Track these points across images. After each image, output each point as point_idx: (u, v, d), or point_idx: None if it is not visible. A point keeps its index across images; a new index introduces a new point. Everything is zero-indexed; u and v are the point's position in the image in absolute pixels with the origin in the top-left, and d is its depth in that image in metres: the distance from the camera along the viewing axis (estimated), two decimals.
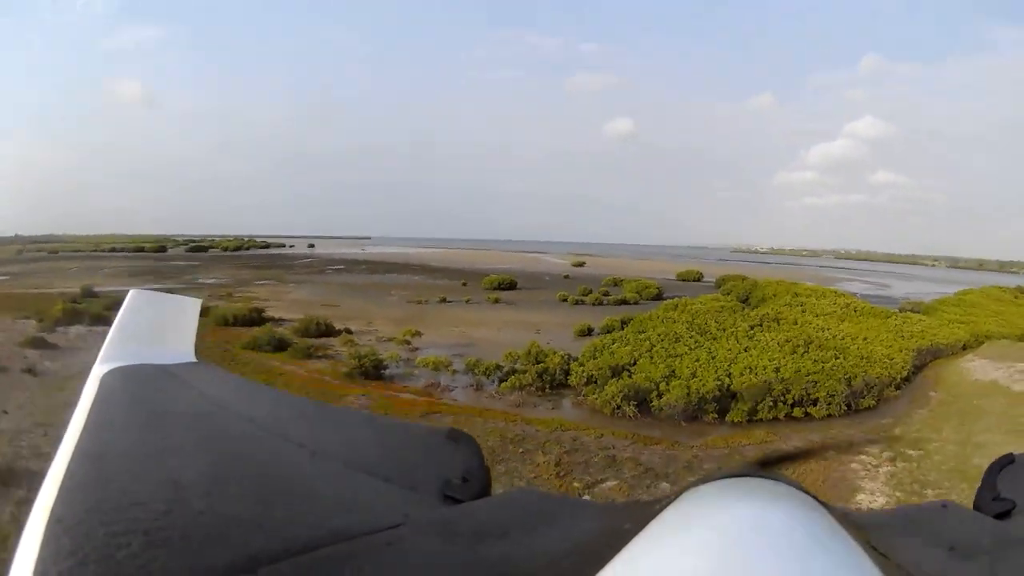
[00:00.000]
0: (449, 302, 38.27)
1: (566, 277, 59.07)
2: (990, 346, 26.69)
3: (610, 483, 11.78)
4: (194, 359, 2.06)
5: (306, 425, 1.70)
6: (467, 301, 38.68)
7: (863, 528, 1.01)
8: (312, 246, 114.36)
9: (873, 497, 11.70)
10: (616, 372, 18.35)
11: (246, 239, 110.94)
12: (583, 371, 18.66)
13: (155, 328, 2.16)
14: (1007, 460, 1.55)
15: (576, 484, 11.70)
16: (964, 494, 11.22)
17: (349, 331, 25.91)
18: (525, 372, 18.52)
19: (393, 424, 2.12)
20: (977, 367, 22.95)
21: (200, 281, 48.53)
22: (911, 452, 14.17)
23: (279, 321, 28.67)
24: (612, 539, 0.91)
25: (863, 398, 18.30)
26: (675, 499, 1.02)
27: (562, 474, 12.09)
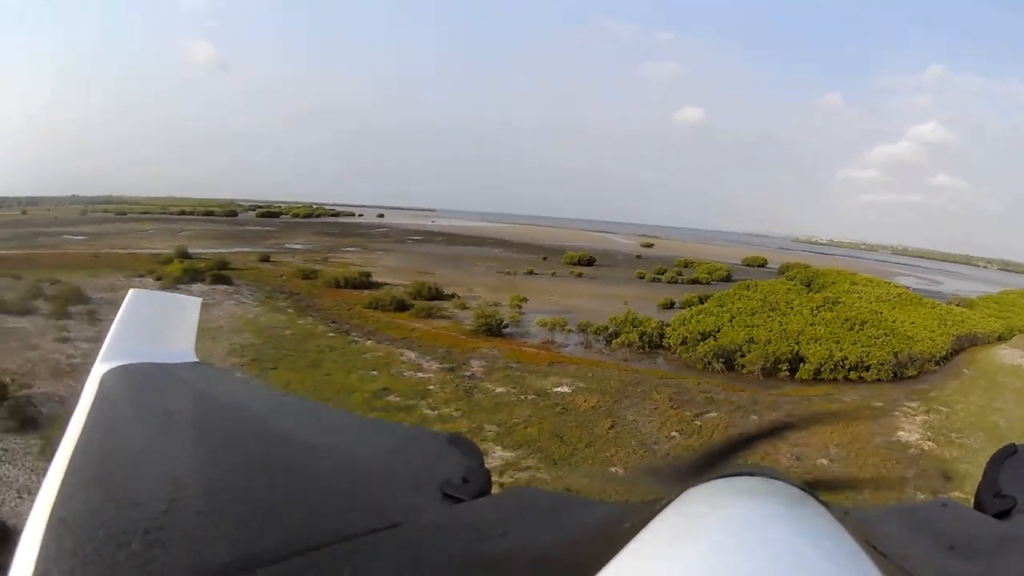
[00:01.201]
0: (536, 274, 42.42)
1: (638, 257, 62.88)
2: (1021, 338, 30.64)
3: (712, 414, 16.20)
4: (194, 358, 2.16)
5: (306, 425, 1.77)
6: (552, 274, 42.91)
7: (863, 527, 1.03)
8: (381, 216, 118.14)
9: (910, 435, 15.92)
10: (704, 336, 22.74)
11: (314, 206, 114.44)
12: (677, 334, 23.05)
13: (155, 327, 2.24)
14: (1008, 452, 1.56)
15: (687, 413, 16.05)
16: (979, 441, 15.60)
17: (457, 295, 30.05)
18: (628, 333, 22.97)
19: (393, 426, 2.24)
20: (1007, 354, 27.24)
21: (288, 246, 52.44)
22: (942, 408, 18.43)
23: (385, 285, 32.44)
24: (612, 539, 0.94)
25: (906, 369, 22.41)
26: (675, 498, 1.03)
27: (675, 407, 16.51)
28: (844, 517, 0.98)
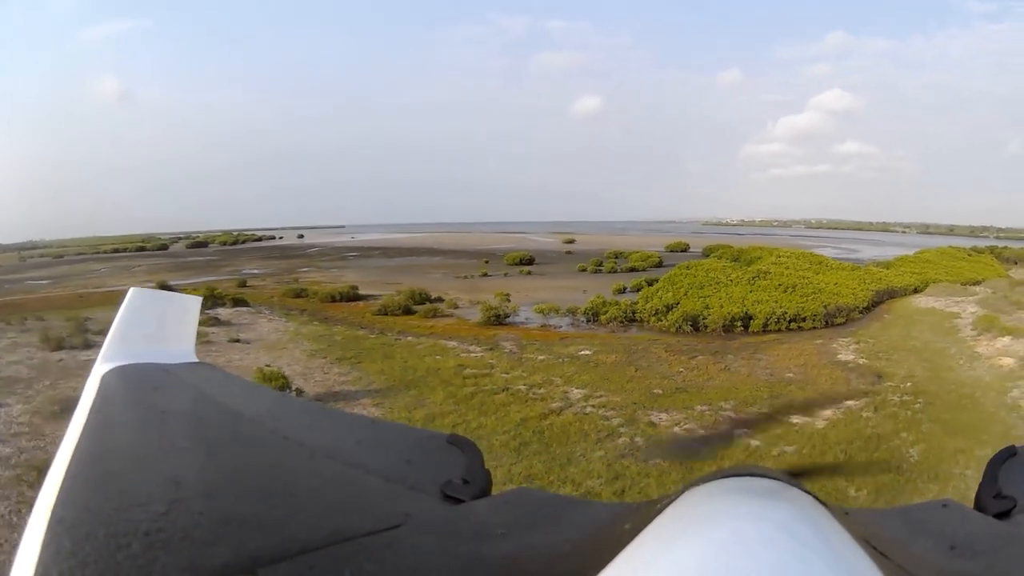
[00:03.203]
0: (490, 276, 47.85)
1: (568, 252, 69.41)
2: (933, 287, 37.67)
3: (700, 357, 21.98)
4: (194, 358, 2.27)
5: (306, 425, 1.82)
6: (505, 275, 48.51)
7: (863, 527, 1.06)
8: (302, 236, 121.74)
9: (847, 353, 22.23)
10: (668, 308, 28.71)
11: (235, 233, 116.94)
12: (647, 308, 28.97)
13: (155, 327, 2.34)
14: (1008, 453, 1.61)
15: (683, 358, 21.77)
16: (900, 355, 21.82)
17: (442, 299, 34.75)
18: (610, 311, 28.78)
19: (393, 427, 2.36)
20: (921, 300, 34.25)
21: (245, 272, 56.02)
22: (869, 339, 24.91)
23: (370, 296, 36.80)
24: (613, 539, 0.97)
25: (835, 318, 28.95)
26: (675, 499, 1.06)
27: (672, 355, 22.31)
28: (844, 517, 1.04)
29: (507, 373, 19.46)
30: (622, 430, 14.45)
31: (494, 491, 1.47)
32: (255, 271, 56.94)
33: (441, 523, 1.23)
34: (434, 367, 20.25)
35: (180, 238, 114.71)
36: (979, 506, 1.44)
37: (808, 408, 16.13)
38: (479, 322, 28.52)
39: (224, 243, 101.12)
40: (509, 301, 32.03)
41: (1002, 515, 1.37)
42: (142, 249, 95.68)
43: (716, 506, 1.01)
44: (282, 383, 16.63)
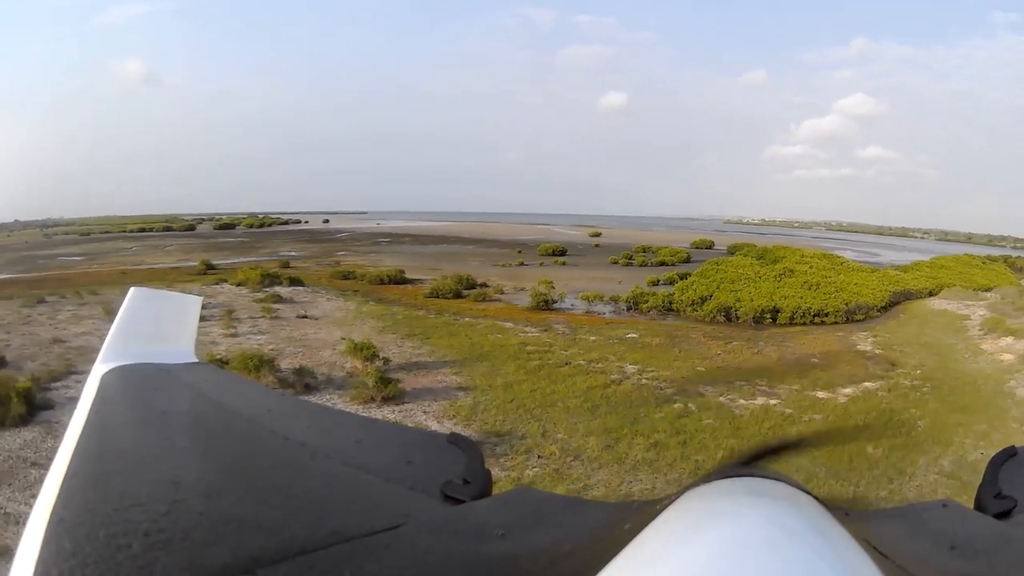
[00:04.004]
0: (526, 265, 50.84)
1: (597, 245, 72.13)
2: (947, 291, 40.39)
3: (735, 343, 24.98)
4: (194, 358, 2.28)
5: (306, 425, 1.84)
6: (541, 264, 51.67)
7: (863, 528, 1.07)
8: (327, 221, 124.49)
9: (866, 345, 25.17)
10: (703, 299, 31.67)
11: (260, 216, 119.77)
12: (683, 299, 31.93)
13: (155, 326, 2.38)
14: (1009, 453, 1.64)
15: (720, 343, 24.80)
16: (912, 348, 24.75)
17: (487, 285, 37.44)
18: (648, 301, 31.77)
19: (393, 427, 2.45)
20: (935, 303, 37.00)
21: (282, 254, 58.75)
22: (885, 334, 27.85)
23: (418, 280, 39.85)
24: (612, 539, 0.98)
25: (855, 315, 31.86)
26: (675, 499, 1.07)
27: (710, 340, 25.32)
28: (844, 518, 1.04)
29: (565, 350, 22.41)
30: (676, 398, 17.46)
31: (495, 491, 1.51)
32: (293, 253, 59.29)
33: (441, 523, 1.24)
34: (498, 344, 23.21)
35: (203, 219, 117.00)
36: (979, 506, 1.48)
37: (831, 386, 19.14)
38: (528, 306, 31.43)
39: (251, 226, 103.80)
40: (553, 288, 34.68)
41: (1002, 515, 1.40)
42: (169, 229, 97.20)
43: (716, 506, 1.03)
44: (372, 351, 19.60)
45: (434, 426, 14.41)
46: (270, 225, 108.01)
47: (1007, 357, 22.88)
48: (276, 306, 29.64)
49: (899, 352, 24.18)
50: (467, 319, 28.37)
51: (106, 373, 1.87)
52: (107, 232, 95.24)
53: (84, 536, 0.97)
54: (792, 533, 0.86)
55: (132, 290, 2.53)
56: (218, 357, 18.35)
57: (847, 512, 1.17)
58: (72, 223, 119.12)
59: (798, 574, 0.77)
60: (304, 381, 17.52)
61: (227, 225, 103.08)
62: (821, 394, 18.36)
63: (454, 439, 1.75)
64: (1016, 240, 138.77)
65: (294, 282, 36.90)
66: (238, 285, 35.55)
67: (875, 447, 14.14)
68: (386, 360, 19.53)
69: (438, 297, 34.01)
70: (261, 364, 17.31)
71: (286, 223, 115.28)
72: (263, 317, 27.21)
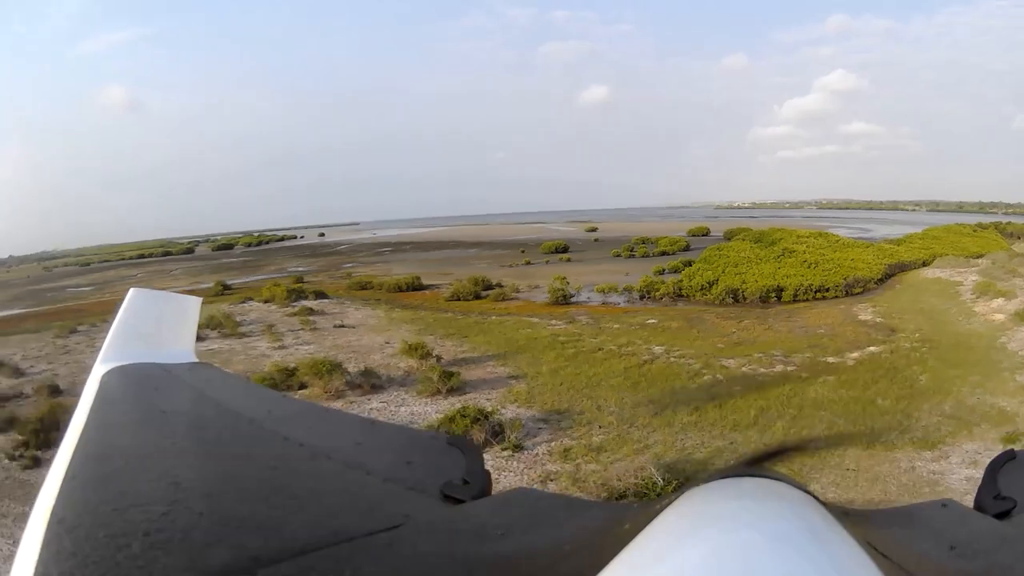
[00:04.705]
0: (532, 264, 53.29)
1: (596, 240, 75.02)
2: (939, 261, 43.08)
3: (746, 321, 27.49)
4: (194, 358, 2.33)
5: (306, 426, 1.87)
6: (547, 262, 54.08)
7: (863, 527, 1.08)
8: (323, 235, 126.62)
9: (866, 315, 27.75)
10: (710, 284, 34.20)
11: (255, 234, 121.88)
12: (692, 285, 34.45)
13: (155, 327, 2.43)
14: (1008, 456, 1.68)
15: (733, 321, 27.33)
16: (909, 314, 27.32)
17: (502, 285, 39.64)
18: (659, 289, 34.29)
19: (394, 428, 2.39)
20: (928, 272, 39.68)
21: (290, 270, 60.99)
22: (883, 304, 30.44)
23: (434, 286, 42.16)
24: (612, 539, 0.99)
25: (854, 288, 34.45)
26: (675, 499, 1.09)
27: (724, 320, 27.83)
28: (844, 518, 1.06)
29: (595, 338, 24.84)
30: (704, 371, 19.97)
31: (494, 492, 1.54)
32: (300, 268, 61.53)
33: (441, 523, 1.27)
34: (531, 337, 25.61)
35: (198, 241, 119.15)
36: (979, 507, 1.51)
37: (839, 352, 21.71)
38: (547, 302, 33.81)
39: (248, 244, 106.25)
40: (568, 284, 36.83)
41: (1002, 515, 1.42)
42: (168, 254, 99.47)
43: (716, 507, 1.05)
44: (426, 350, 22.00)
45: (504, 411, 16.60)
46: (267, 243, 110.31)
47: (998, 316, 25.46)
48: (311, 318, 31.82)
49: (898, 319, 26.71)
50: (494, 317, 30.72)
51: (106, 373, 1.90)
52: (106, 261, 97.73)
53: (84, 536, 1.00)
54: (792, 533, 0.90)
55: (132, 291, 2.57)
56: (284, 367, 20.62)
57: (847, 512, 1.21)
58: (68, 254, 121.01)
59: (798, 574, 0.79)
60: (371, 382, 19.75)
61: (225, 245, 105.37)
62: (831, 359, 20.88)
63: (454, 440, 1.78)
64: (1008, 206, 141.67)
65: (319, 295, 39.13)
66: (265, 302, 37.71)
67: (884, 399, 16.66)
68: (439, 357, 21.90)
69: (459, 299, 36.24)
70: (333, 368, 19.60)
71: (282, 239, 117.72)
72: (303, 329, 29.41)
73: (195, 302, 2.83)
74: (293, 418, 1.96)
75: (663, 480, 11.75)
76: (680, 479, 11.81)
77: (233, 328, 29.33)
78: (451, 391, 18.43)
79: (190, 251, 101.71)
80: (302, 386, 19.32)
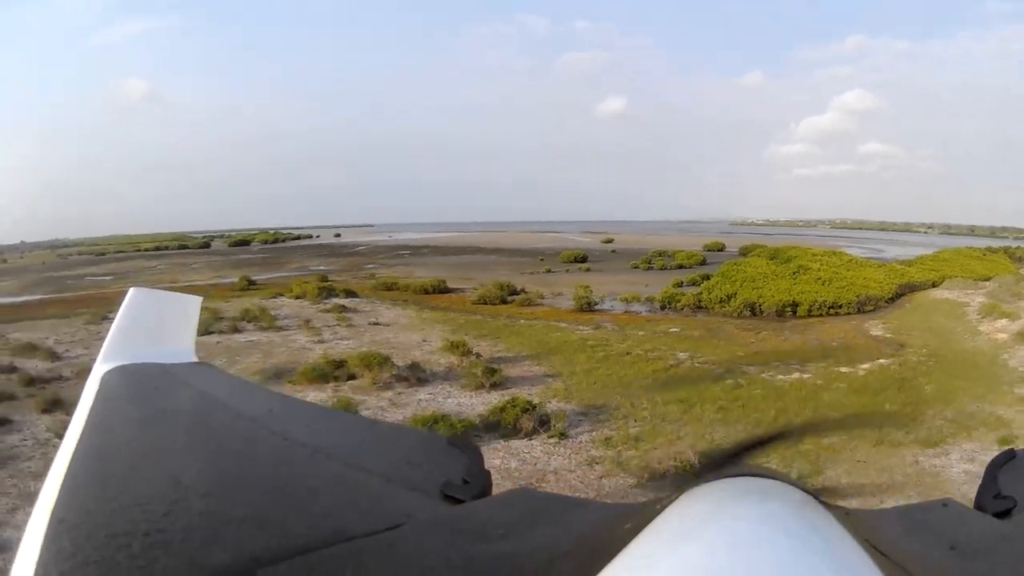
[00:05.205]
0: (553, 272, 55.08)
1: (613, 252, 77.09)
2: (949, 282, 44.98)
3: (764, 332, 29.39)
4: (194, 358, 2.36)
5: (306, 425, 1.87)
6: (567, 271, 55.98)
7: (863, 527, 1.11)
8: (339, 235, 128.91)
9: (877, 331, 29.63)
10: (728, 297, 36.10)
11: (271, 232, 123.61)
12: (710, 298, 36.36)
13: (155, 326, 2.44)
14: (1008, 456, 1.70)
15: (751, 332, 29.26)
16: (917, 332, 29.20)
17: (526, 291, 41.38)
18: (681, 300, 36.21)
19: (394, 428, 2.44)
20: (938, 293, 41.50)
21: (312, 268, 63.09)
22: (893, 321, 32.32)
23: (458, 289, 44.13)
24: (613, 539, 1.01)
25: (866, 306, 36.33)
26: (675, 499, 1.12)
27: (743, 331, 29.72)
28: (844, 517, 1.10)
29: (622, 344, 26.73)
30: (726, 376, 21.85)
31: (494, 492, 1.55)
32: (322, 268, 63.32)
33: (441, 523, 1.26)
34: (561, 340, 27.49)
35: (213, 236, 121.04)
36: (979, 506, 1.52)
37: (851, 363, 23.60)
38: (572, 308, 35.63)
39: (264, 242, 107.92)
40: (591, 292, 38.68)
41: (1002, 515, 1.43)
42: (184, 247, 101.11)
43: (716, 507, 1.07)
44: (465, 348, 23.92)
45: (546, 405, 18.30)
46: (283, 240, 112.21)
47: (1001, 335, 27.31)
48: (346, 315, 33.72)
49: (907, 335, 28.57)
50: (522, 321, 32.55)
51: (107, 373, 1.93)
52: (121, 251, 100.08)
53: (84, 536, 1.01)
54: (792, 533, 0.92)
55: (132, 290, 2.58)
56: (333, 359, 22.52)
57: (847, 512, 1.25)
58: (80, 243, 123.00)
59: (798, 574, 0.80)
60: (416, 375, 21.63)
61: (241, 242, 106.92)
62: (844, 369, 22.76)
63: (454, 440, 1.81)
64: (1018, 231, 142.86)
65: (349, 293, 41.03)
66: (296, 298, 39.55)
67: (891, 404, 18.54)
68: (478, 354, 23.79)
69: (485, 303, 38.12)
70: (383, 361, 21.52)
71: (298, 238, 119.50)
72: (339, 325, 31.31)
73: (195, 301, 2.84)
74: (293, 418, 2.00)
75: (699, 463, 13.65)
76: (715, 461, 13.73)
77: (270, 322, 31.23)
78: (494, 386, 20.26)
79: (206, 245, 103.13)
80: (351, 377, 21.07)
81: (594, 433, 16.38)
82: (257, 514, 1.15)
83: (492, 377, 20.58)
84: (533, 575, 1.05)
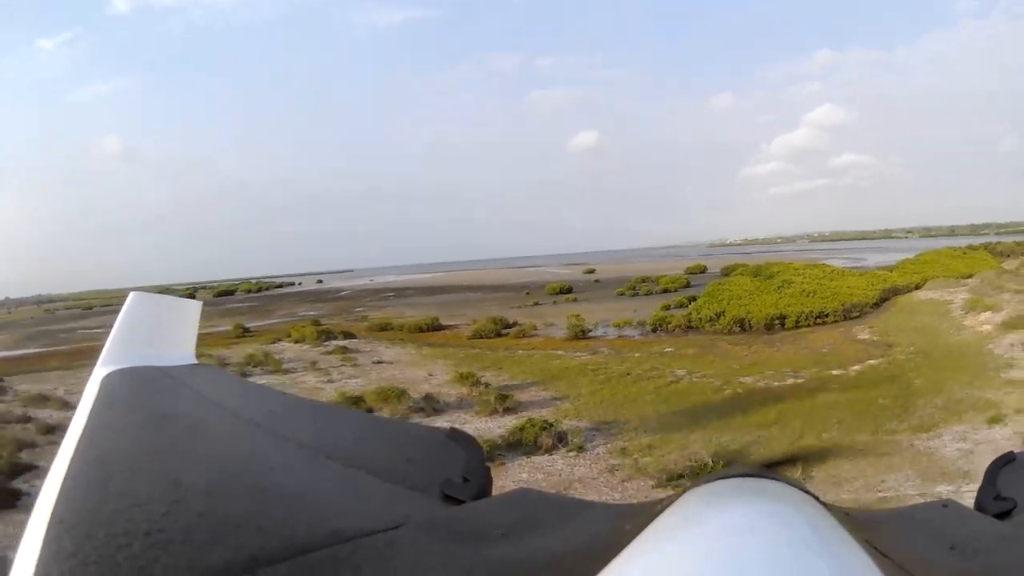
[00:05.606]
0: (540, 304, 56.62)
1: (596, 281, 78.82)
2: (931, 283, 46.66)
3: (755, 346, 30.76)
4: (195, 361, 2.38)
5: (306, 425, 1.91)
6: (554, 302, 57.41)
7: (863, 528, 1.13)
8: (321, 281, 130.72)
9: (864, 335, 31.08)
10: (718, 315, 37.50)
11: (254, 281, 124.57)
12: (700, 317, 37.75)
13: (155, 330, 2.46)
14: (1008, 458, 1.71)
15: (744, 346, 30.65)
16: (903, 332, 30.68)
17: (518, 323, 42.72)
18: (671, 321, 37.57)
19: (393, 424, 2.43)
20: (920, 294, 43.11)
21: (301, 314, 63.78)
22: (878, 325, 33.84)
23: (451, 327, 45.54)
24: (613, 540, 1.03)
25: (852, 312, 37.85)
26: (676, 499, 1.13)
27: (735, 346, 31.08)
28: (844, 518, 1.11)
29: (620, 366, 27.96)
30: (725, 387, 23.17)
31: (494, 493, 1.57)
32: (311, 313, 64.27)
33: (441, 523, 1.26)
34: (562, 367, 28.72)
35: (196, 287, 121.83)
36: (979, 507, 1.54)
37: (842, 365, 25.05)
38: (566, 337, 36.93)
39: (248, 291, 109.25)
40: (583, 321, 39.82)
41: (1002, 516, 1.45)
42: None
43: (716, 507, 1.07)
44: (475, 379, 25.10)
45: (560, 424, 19.44)
46: (267, 289, 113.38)
47: (986, 327, 28.82)
48: (351, 355, 34.93)
49: (894, 336, 30.08)
50: (520, 352, 33.77)
51: (107, 376, 1.95)
52: (108, 305, 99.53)
53: (84, 536, 1.01)
54: (792, 533, 0.92)
55: (132, 295, 2.60)
56: (350, 395, 23.65)
57: (847, 512, 1.26)
58: (64, 298, 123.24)
59: (797, 574, 0.81)
60: (432, 405, 22.82)
61: (226, 291, 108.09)
62: (836, 372, 24.19)
63: (453, 435, 1.82)
64: (999, 225, 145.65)
65: (347, 335, 42.28)
66: (296, 342, 41.01)
67: (884, 397, 19.89)
68: (487, 384, 24.94)
69: (481, 337, 39.41)
70: (401, 394, 22.69)
71: (280, 286, 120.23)
72: (344, 365, 32.54)
73: (195, 306, 2.88)
74: (293, 418, 2.02)
75: (712, 462, 14.87)
76: (725, 462, 14.96)
77: (276, 365, 32.52)
78: (507, 410, 21.45)
79: (191, 296, 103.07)
80: (369, 411, 22.12)
81: (609, 445, 17.57)
82: (257, 514, 1.16)
83: (504, 402, 21.77)
84: (533, 575, 1.07)
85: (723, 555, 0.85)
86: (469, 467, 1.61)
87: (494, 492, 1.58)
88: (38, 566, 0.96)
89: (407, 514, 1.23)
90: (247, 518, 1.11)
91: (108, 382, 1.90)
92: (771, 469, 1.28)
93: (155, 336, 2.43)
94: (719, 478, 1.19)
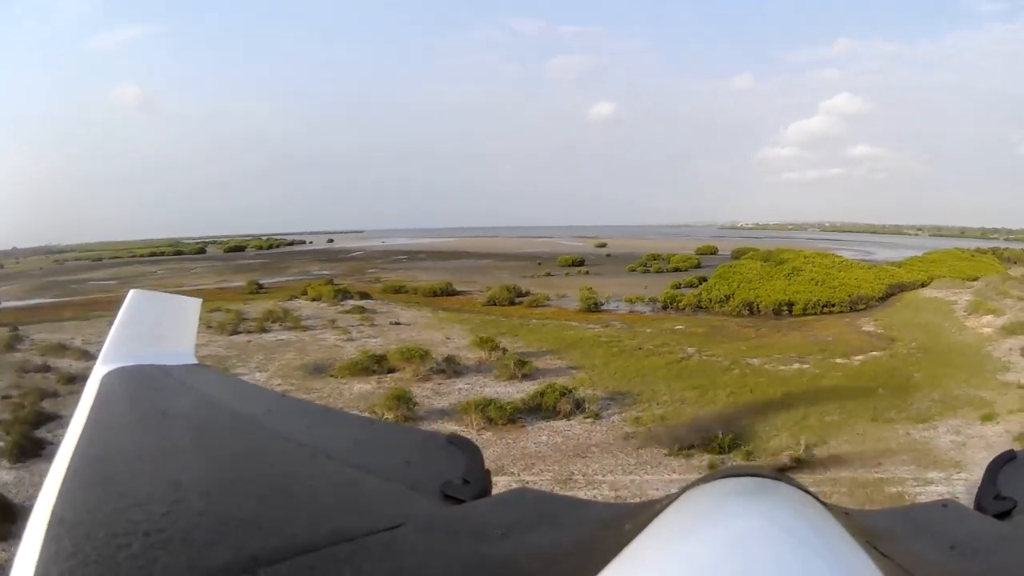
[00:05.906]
0: (552, 275, 57.50)
1: (607, 256, 79.60)
2: (937, 282, 47.67)
3: (763, 328, 31.98)
4: (194, 360, 2.39)
5: (306, 426, 1.93)
6: (566, 274, 58.40)
7: (863, 528, 1.13)
8: (331, 241, 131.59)
9: (869, 327, 32.26)
10: (727, 297, 38.68)
11: (265, 238, 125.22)
12: (709, 298, 38.93)
13: (155, 328, 2.50)
14: (1007, 457, 1.73)
15: (752, 328, 31.89)
16: (906, 327, 31.84)
17: (531, 293, 43.58)
18: (682, 300, 38.78)
19: (393, 427, 3.40)
20: (926, 292, 44.12)
21: (314, 273, 64.31)
22: (885, 319, 34.94)
23: (464, 292, 46.38)
24: (613, 539, 1.03)
25: (858, 304, 39.00)
26: (675, 499, 1.13)
27: (743, 328, 32.30)
28: (844, 517, 1.11)
29: (632, 340, 29.17)
30: (733, 367, 24.39)
31: (495, 492, 1.59)
32: (324, 272, 64.75)
33: (441, 523, 1.28)
34: (576, 337, 29.93)
35: (206, 242, 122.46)
36: (979, 507, 1.55)
37: (846, 355, 26.25)
38: (579, 309, 38.05)
39: (259, 247, 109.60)
40: (596, 294, 40.88)
41: (1002, 515, 1.46)
42: (179, 253, 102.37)
43: (716, 506, 1.08)
44: (494, 344, 26.24)
45: (576, 392, 20.60)
46: (278, 246, 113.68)
47: (986, 330, 29.99)
48: (368, 315, 35.99)
49: (897, 331, 31.24)
50: (535, 320, 34.94)
51: (106, 375, 1.97)
52: (117, 257, 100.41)
53: (84, 536, 1.02)
54: (792, 533, 0.92)
55: (132, 292, 2.65)
56: (373, 353, 24.78)
57: (847, 512, 1.27)
58: (73, 249, 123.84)
59: (798, 574, 0.82)
60: (452, 368, 23.97)
61: (236, 247, 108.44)
62: (839, 360, 25.41)
63: (454, 439, 1.83)
64: (1010, 232, 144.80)
65: (363, 296, 43.16)
66: (313, 300, 41.82)
67: (884, 387, 21.10)
68: (504, 349, 26.04)
69: (495, 304, 40.43)
70: (424, 355, 23.84)
71: (291, 244, 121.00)
72: (362, 325, 33.65)
73: (195, 304, 2.87)
74: (293, 418, 2.05)
75: (722, 434, 16.12)
76: (732, 433, 16.23)
77: (296, 322, 33.48)
78: (525, 376, 22.67)
79: (201, 251, 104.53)
80: (391, 370, 23.39)
81: (624, 414, 18.85)
82: (257, 514, 1.19)
83: (523, 368, 22.96)
84: (533, 575, 1.08)
85: (723, 554, 0.88)
86: (469, 471, 1.64)
87: (494, 492, 1.62)
88: (38, 566, 1.01)
89: (407, 514, 1.29)
90: (247, 518, 1.17)
91: (108, 381, 1.96)
92: (771, 469, 1.32)
93: (155, 334, 2.50)
94: (719, 477, 1.21)
